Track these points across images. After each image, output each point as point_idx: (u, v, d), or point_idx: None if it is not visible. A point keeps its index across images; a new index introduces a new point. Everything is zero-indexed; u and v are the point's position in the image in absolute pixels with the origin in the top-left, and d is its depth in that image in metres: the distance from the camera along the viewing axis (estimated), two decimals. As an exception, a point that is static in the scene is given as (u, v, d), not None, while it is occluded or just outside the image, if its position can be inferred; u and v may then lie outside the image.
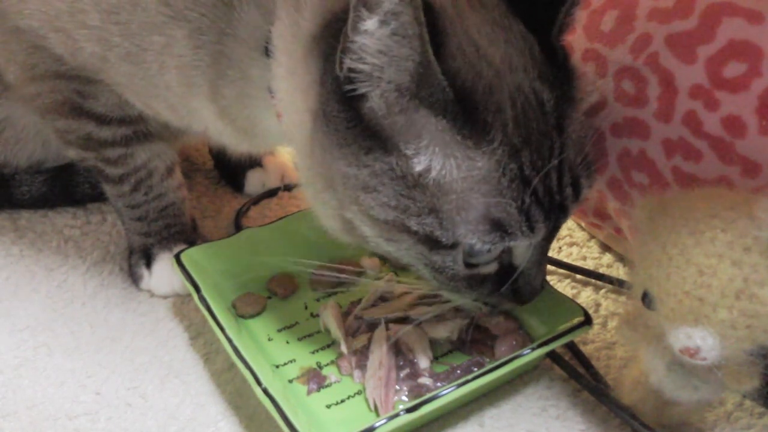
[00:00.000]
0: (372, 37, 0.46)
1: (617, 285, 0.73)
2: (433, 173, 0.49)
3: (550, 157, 0.50)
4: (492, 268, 0.54)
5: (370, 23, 0.45)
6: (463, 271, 0.53)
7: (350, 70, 0.48)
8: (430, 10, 0.47)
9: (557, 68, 0.52)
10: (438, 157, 0.48)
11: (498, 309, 0.59)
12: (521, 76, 0.50)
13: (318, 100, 0.51)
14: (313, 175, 0.54)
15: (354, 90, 0.48)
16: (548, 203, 0.51)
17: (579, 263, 0.78)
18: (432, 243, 0.51)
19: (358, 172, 0.50)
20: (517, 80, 0.50)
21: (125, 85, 0.63)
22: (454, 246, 0.51)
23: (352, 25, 0.46)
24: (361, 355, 0.62)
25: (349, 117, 0.49)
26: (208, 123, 0.63)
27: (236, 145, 0.66)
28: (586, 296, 0.73)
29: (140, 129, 0.69)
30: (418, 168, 0.49)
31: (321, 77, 0.51)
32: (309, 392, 0.60)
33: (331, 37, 0.50)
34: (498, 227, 0.50)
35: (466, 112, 0.48)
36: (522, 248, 0.54)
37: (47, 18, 0.60)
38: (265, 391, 0.54)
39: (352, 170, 0.50)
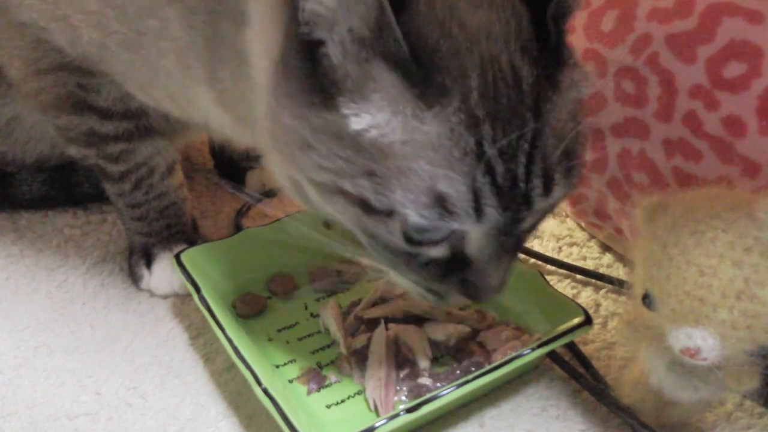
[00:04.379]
0: None
1: (617, 285, 0.73)
2: (373, 132, 0.45)
3: (520, 139, 0.45)
4: (440, 252, 0.49)
5: None
6: (401, 245, 0.48)
7: (310, 13, 0.44)
8: None
9: (546, 48, 0.47)
10: (383, 114, 0.45)
11: (445, 301, 0.53)
12: (499, 47, 0.45)
13: (280, 50, 0.48)
14: (268, 131, 0.52)
15: (311, 34, 0.45)
16: (508, 190, 0.45)
17: (579, 263, 0.78)
18: (366, 206, 0.47)
19: (299, 126, 0.47)
20: (493, 49, 0.45)
21: (126, 75, 0.63)
22: (389, 214, 0.46)
23: None
24: (361, 355, 0.62)
25: (305, 67, 0.46)
26: (209, 112, 0.61)
27: (238, 137, 0.64)
28: (586, 296, 0.73)
29: (142, 124, 0.69)
30: (357, 126, 0.45)
31: (285, 27, 0.47)
32: (309, 392, 0.60)
33: None
34: (440, 202, 0.45)
35: (422, 70, 0.44)
36: (476, 237, 0.48)
37: (47, 7, 0.60)
38: (265, 391, 0.54)
39: (294, 123, 0.47)
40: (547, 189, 0.47)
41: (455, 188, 0.45)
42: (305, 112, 0.47)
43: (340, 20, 0.44)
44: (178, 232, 0.75)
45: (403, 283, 0.54)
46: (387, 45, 0.44)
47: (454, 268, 0.50)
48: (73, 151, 0.72)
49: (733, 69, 0.60)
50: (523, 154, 0.45)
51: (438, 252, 0.49)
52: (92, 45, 0.60)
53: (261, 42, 0.51)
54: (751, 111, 0.60)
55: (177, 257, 0.67)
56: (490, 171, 0.45)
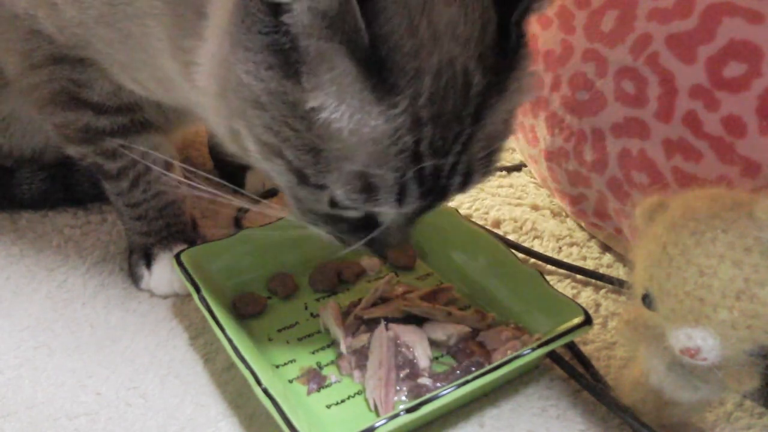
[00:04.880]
0: None
1: (617, 285, 0.73)
2: (325, 114, 0.45)
3: (454, 142, 0.47)
4: (356, 215, 0.52)
5: None
6: (324, 210, 0.51)
7: None
8: None
9: (503, 53, 0.47)
10: (335, 98, 0.45)
11: (350, 248, 0.56)
12: (458, 51, 0.45)
13: None
14: (214, 76, 0.51)
15: None
16: (430, 185, 0.48)
17: (579, 263, 0.78)
18: (302, 177, 0.49)
19: (253, 83, 0.46)
20: (452, 52, 0.45)
21: (109, 56, 0.62)
22: (322, 188, 0.48)
23: None
24: (361, 355, 0.62)
25: (266, 22, 0.45)
26: (186, 92, 0.58)
27: (213, 121, 0.64)
28: (586, 296, 0.73)
29: (137, 118, 0.69)
30: (312, 104, 0.45)
31: None
32: (309, 392, 0.60)
33: None
34: (368, 189, 0.47)
35: (379, 65, 0.44)
36: (389, 213, 0.51)
37: None
38: (265, 391, 0.54)
39: (248, 79, 0.47)
40: (465, 184, 0.50)
41: (384, 180, 0.47)
42: (263, 73, 0.46)
43: None
44: (177, 231, 0.75)
45: (314, 230, 0.57)
46: (348, 30, 0.43)
47: (364, 226, 0.53)
48: (72, 151, 0.72)
49: (733, 69, 0.60)
50: (452, 155, 0.48)
51: (354, 214, 0.52)
52: (74, 24, 0.60)
53: None
54: (751, 111, 0.60)
55: (177, 257, 0.67)
56: (419, 168, 0.47)
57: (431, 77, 0.45)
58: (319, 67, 0.45)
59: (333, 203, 0.50)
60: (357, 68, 0.44)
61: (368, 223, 0.53)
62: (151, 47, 0.58)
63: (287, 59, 0.45)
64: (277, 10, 0.44)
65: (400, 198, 0.48)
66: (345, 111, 0.45)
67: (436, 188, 0.49)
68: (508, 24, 0.47)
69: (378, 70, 0.44)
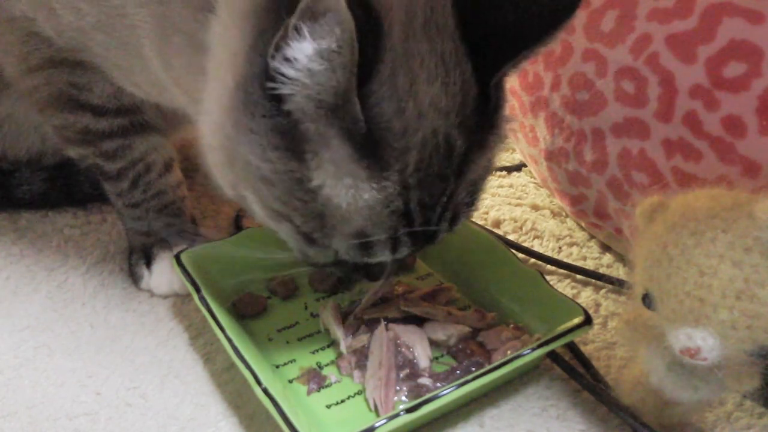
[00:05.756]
0: (305, 54, 0.43)
1: (617, 285, 0.73)
2: (326, 190, 0.49)
3: (441, 196, 0.51)
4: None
5: (306, 45, 0.43)
6: (329, 261, 0.56)
7: (278, 71, 0.45)
8: (377, 27, 0.46)
9: (483, 115, 0.51)
10: (333, 177, 0.48)
11: (350, 283, 0.64)
12: (442, 122, 0.49)
13: (243, 73, 0.48)
14: (218, 146, 0.52)
15: (277, 90, 0.46)
16: (422, 234, 0.52)
17: (579, 263, 0.78)
18: (309, 239, 0.52)
19: (260, 164, 0.49)
20: (436, 125, 0.48)
21: (107, 60, 0.63)
22: (327, 247, 0.53)
23: (290, 32, 0.43)
24: (361, 355, 0.62)
25: (267, 107, 0.48)
26: (181, 99, 0.60)
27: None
28: (586, 296, 0.73)
29: (137, 119, 0.70)
30: (316, 182, 0.49)
31: (252, 48, 0.48)
32: (309, 392, 0.60)
33: (274, 12, 0.46)
34: (366, 247, 0.51)
35: (373, 146, 0.47)
36: None
37: None
38: (265, 391, 0.54)
39: (255, 160, 0.49)
40: (452, 225, 0.54)
41: (380, 237, 0.51)
42: (270, 154, 0.49)
43: (308, 86, 0.45)
44: (177, 231, 0.75)
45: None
46: (347, 118, 0.46)
47: (364, 266, 0.57)
48: (72, 152, 0.72)
49: (733, 69, 0.60)
50: (440, 206, 0.52)
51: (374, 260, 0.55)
52: (71, 29, 0.61)
53: (224, 35, 0.51)
54: (751, 111, 0.60)
55: (177, 257, 0.67)
56: (410, 223, 0.51)
57: (417, 150, 0.48)
58: (320, 148, 0.48)
59: (336, 258, 0.55)
60: (353, 150, 0.47)
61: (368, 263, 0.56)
62: (145, 56, 0.59)
63: (292, 140, 0.48)
64: (278, 97, 0.47)
65: (394, 249, 0.52)
66: (342, 187, 0.48)
67: (427, 234, 0.52)
68: (488, 90, 0.50)
69: (372, 152, 0.47)
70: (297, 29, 0.43)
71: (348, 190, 0.48)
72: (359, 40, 0.42)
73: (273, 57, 0.45)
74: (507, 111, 0.54)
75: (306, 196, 0.49)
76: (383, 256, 0.52)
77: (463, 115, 0.50)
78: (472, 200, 0.55)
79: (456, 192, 0.52)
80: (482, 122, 0.51)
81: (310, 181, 0.49)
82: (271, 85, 0.46)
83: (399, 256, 0.53)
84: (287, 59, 0.44)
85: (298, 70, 0.44)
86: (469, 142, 0.50)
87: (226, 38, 0.51)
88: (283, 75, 0.45)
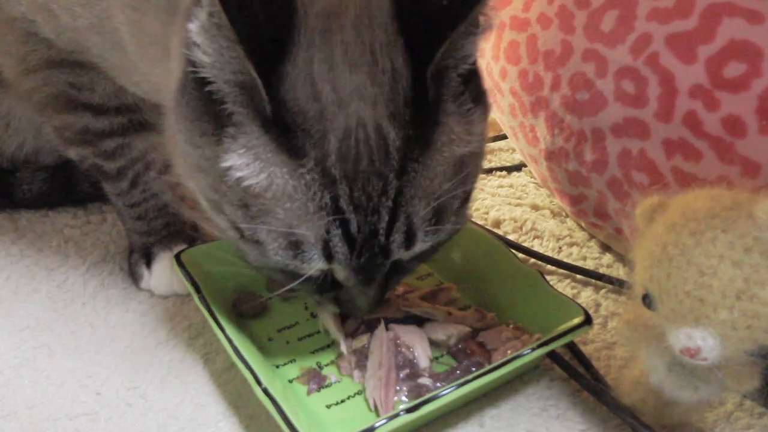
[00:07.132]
0: (195, 32, 0.45)
1: (617, 285, 0.73)
2: (238, 173, 0.48)
3: (381, 196, 0.48)
4: (313, 272, 0.52)
5: (194, 23, 0.45)
6: (273, 265, 0.52)
7: (196, 57, 0.47)
8: (289, 11, 0.46)
9: (420, 109, 0.49)
10: (245, 158, 0.48)
11: (320, 306, 0.60)
12: (368, 112, 0.47)
13: (182, 68, 0.50)
14: (171, 141, 0.54)
15: (198, 74, 0.47)
16: (362, 241, 0.49)
17: (579, 263, 0.78)
18: (240, 231, 0.51)
19: (192, 151, 0.50)
20: (361, 113, 0.47)
21: (107, 61, 0.63)
22: (257, 243, 0.51)
23: (190, 17, 0.46)
24: (361, 355, 0.62)
25: (197, 95, 0.49)
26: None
27: None
28: (586, 296, 0.73)
29: (136, 118, 0.70)
30: (225, 164, 0.48)
31: (184, 54, 0.49)
32: (309, 392, 0.60)
33: (195, 5, 0.47)
34: (294, 246, 0.49)
35: (285, 130, 0.47)
36: (339, 270, 0.53)
37: None
38: (265, 391, 0.54)
39: (188, 148, 0.50)
40: (410, 243, 0.50)
41: (307, 237, 0.49)
42: (197, 140, 0.50)
43: (219, 67, 0.46)
44: (177, 231, 0.75)
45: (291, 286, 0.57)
46: (255, 99, 0.46)
47: (328, 287, 0.55)
48: (72, 153, 0.72)
49: (733, 69, 0.60)
50: (385, 211, 0.49)
51: (313, 273, 0.52)
52: (69, 30, 0.62)
53: (177, 35, 0.52)
54: (751, 111, 0.60)
55: (177, 257, 0.67)
56: (343, 224, 0.48)
57: (337, 137, 0.47)
58: (236, 131, 0.48)
59: (272, 262, 0.51)
60: (261, 132, 0.47)
61: (333, 283, 0.55)
62: (132, 56, 0.60)
63: (215, 124, 0.48)
64: (203, 82, 0.48)
65: (326, 254, 0.49)
66: (257, 169, 0.48)
67: (374, 246, 0.50)
68: (426, 80, 0.48)
69: (284, 133, 0.47)
70: (193, 13, 0.45)
71: (260, 173, 0.48)
72: (267, 23, 0.44)
73: (186, 44, 0.47)
74: (476, 110, 0.52)
75: (224, 182, 0.49)
76: (315, 261, 0.50)
77: (394, 106, 0.48)
78: (437, 219, 0.51)
79: (403, 196, 0.49)
80: (421, 116, 0.49)
81: (222, 165, 0.48)
82: (190, 69, 0.48)
83: (342, 267, 0.51)
84: (193, 43, 0.46)
85: (198, 50, 0.46)
86: (405, 136, 0.48)
87: (177, 38, 0.52)
88: (193, 59, 0.47)
